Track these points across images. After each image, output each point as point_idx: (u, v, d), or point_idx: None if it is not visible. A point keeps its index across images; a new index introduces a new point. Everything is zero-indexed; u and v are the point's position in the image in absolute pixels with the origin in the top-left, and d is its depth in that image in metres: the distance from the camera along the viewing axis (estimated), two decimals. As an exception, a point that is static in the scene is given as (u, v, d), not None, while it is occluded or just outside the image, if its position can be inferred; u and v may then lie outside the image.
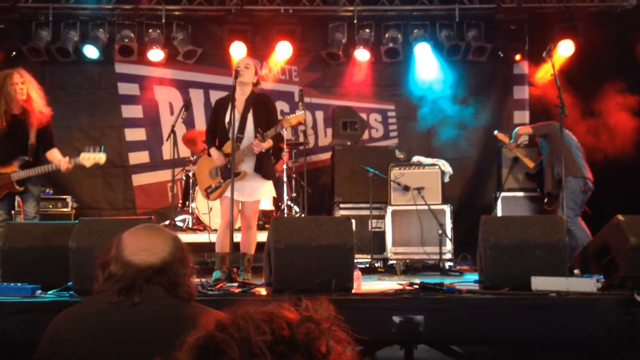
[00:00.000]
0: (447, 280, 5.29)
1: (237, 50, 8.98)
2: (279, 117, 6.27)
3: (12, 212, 7.41)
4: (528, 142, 8.12)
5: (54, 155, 6.17)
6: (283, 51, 9.26)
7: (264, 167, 5.84)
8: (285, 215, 7.90)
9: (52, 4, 9.12)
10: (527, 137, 7.97)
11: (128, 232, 2.20)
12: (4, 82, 6.01)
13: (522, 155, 7.92)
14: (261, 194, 5.89)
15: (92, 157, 6.14)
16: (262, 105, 5.88)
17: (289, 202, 8.10)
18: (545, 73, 8.90)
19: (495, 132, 8.15)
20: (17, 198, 6.75)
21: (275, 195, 6.25)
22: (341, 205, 7.83)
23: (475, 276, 5.54)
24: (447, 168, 7.57)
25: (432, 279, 5.23)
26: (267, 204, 7.57)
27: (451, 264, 7.16)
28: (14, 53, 8.87)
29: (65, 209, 8.34)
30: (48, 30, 9.09)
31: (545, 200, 7.67)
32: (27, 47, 8.99)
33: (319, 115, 9.66)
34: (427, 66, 9.43)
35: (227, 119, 5.75)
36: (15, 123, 6.05)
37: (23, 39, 9.07)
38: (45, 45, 9.06)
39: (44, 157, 6.20)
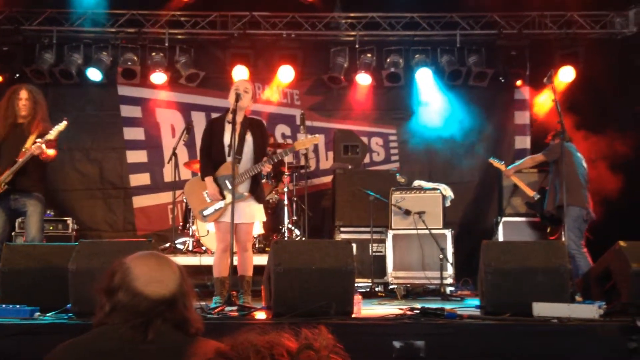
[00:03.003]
0: (448, 305, 5.26)
1: (239, 74, 9.02)
2: (282, 140, 6.30)
3: (13, 233, 7.43)
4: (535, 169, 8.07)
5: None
6: (285, 75, 9.31)
7: (258, 189, 5.85)
8: (286, 238, 7.88)
9: (56, 27, 9.21)
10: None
11: (135, 259, 2.12)
12: (11, 95, 6.17)
13: (521, 184, 7.89)
14: (256, 216, 5.88)
15: (56, 128, 6.12)
16: (258, 129, 5.92)
17: (290, 226, 8.08)
18: (546, 98, 8.93)
19: (490, 159, 8.15)
20: (18, 220, 6.74)
21: (265, 219, 6.23)
22: (342, 229, 7.82)
23: (476, 301, 5.51)
24: (449, 192, 7.57)
25: (433, 304, 5.21)
26: (258, 229, 7.53)
27: (452, 288, 7.12)
28: (17, 75, 8.91)
29: (66, 231, 8.33)
30: (52, 53, 9.16)
31: (548, 230, 7.67)
32: (31, 69, 9.05)
33: (320, 138, 9.65)
34: (428, 91, 9.48)
35: (226, 141, 5.75)
36: (16, 131, 6.15)
37: (27, 61, 9.11)
38: (48, 67, 9.12)
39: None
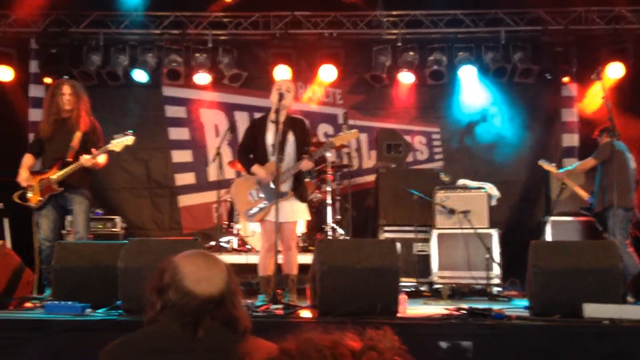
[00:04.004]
0: (496, 306, 5.18)
1: (282, 74, 9.05)
2: (324, 140, 6.29)
3: (63, 232, 7.60)
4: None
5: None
6: (327, 74, 9.31)
7: (301, 188, 5.86)
8: (330, 237, 7.88)
9: (103, 29, 9.39)
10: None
11: (184, 258, 2.15)
12: (54, 91, 6.27)
13: (575, 187, 7.67)
14: (299, 215, 5.88)
15: (121, 141, 6.24)
16: (300, 128, 5.91)
17: (333, 225, 8.08)
18: (594, 95, 8.74)
19: (540, 162, 7.97)
20: (68, 218, 6.88)
21: (309, 218, 6.22)
22: (385, 228, 7.78)
23: (524, 302, 5.44)
24: (494, 191, 7.46)
25: (480, 304, 5.14)
26: (301, 227, 7.54)
27: (499, 289, 7.02)
28: (65, 77, 9.09)
29: (114, 229, 8.48)
30: (99, 55, 9.33)
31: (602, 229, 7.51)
32: (78, 71, 9.24)
33: (363, 137, 9.66)
34: (472, 88, 9.38)
35: (268, 140, 5.77)
36: (61, 127, 6.25)
37: (74, 63, 9.30)
38: (95, 69, 9.30)
39: None
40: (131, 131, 6.34)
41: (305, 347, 1.16)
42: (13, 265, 5.47)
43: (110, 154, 6.38)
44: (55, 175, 6.13)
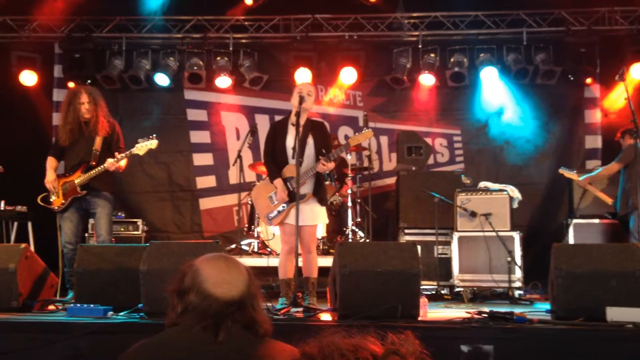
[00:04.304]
0: (517, 309, 5.15)
1: (302, 77, 9.08)
2: (345, 142, 6.28)
3: (86, 234, 7.68)
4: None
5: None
6: (347, 77, 9.31)
7: (321, 191, 5.85)
8: (350, 240, 7.87)
9: (125, 34, 9.50)
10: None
11: (204, 261, 2.15)
12: (72, 99, 6.34)
13: (598, 193, 7.55)
14: (319, 218, 5.88)
15: (145, 145, 6.31)
16: (320, 131, 5.92)
17: (354, 227, 8.07)
18: (618, 96, 8.64)
19: (560, 170, 7.86)
20: (90, 221, 6.96)
21: (328, 221, 6.22)
22: (406, 231, 7.75)
23: (546, 305, 5.38)
24: (516, 194, 7.39)
25: (502, 308, 5.10)
26: (321, 231, 7.54)
27: (521, 292, 6.96)
28: (89, 81, 9.21)
29: (136, 232, 8.57)
30: (121, 59, 9.45)
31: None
32: (102, 76, 9.36)
33: (384, 140, 9.65)
34: (493, 90, 9.32)
35: (288, 143, 5.79)
36: (82, 131, 6.33)
37: (98, 67, 9.43)
38: (118, 73, 9.41)
39: None
40: (154, 135, 6.40)
41: (328, 351, 1.16)
42: (37, 268, 5.54)
43: (133, 157, 6.45)
44: (79, 178, 6.20)
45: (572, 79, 9.20)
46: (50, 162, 6.41)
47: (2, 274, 5.15)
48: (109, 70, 9.37)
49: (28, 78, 9.43)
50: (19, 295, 5.15)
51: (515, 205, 7.40)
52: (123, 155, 6.23)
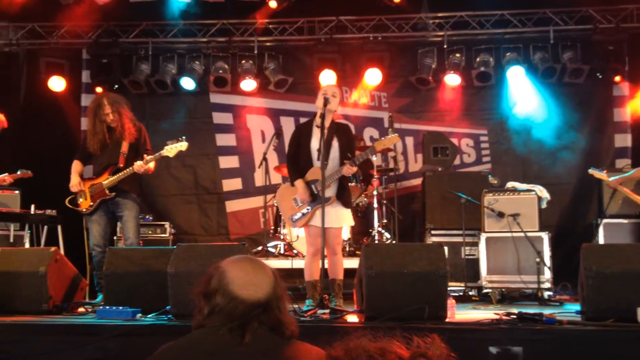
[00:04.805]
0: (547, 311, 5.07)
1: (327, 79, 9.08)
2: (370, 143, 6.26)
3: (114, 237, 7.77)
4: None
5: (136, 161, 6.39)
6: (372, 78, 9.29)
7: (345, 193, 5.84)
8: (376, 241, 7.85)
9: (152, 39, 9.59)
10: None
11: (230, 263, 2.17)
12: (97, 110, 6.41)
13: (631, 194, 7.41)
14: (343, 220, 5.87)
15: (175, 147, 6.37)
16: (344, 134, 5.90)
17: (380, 229, 8.05)
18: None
19: (590, 170, 7.73)
20: (118, 224, 7.03)
21: (353, 224, 6.20)
22: (433, 232, 7.70)
23: (576, 307, 5.31)
24: (545, 194, 7.30)
25: (531, 309, 5.05)
26: (346, 233, 7.52)
27: (550, 293, 6.87)
28: (116, 86, 9.33)
29: (163, 235, 8.65)
30: (147, 64, 9.55)
31: None
32: (129, 80, 9.46)
33: (409, 141, 9.61)
34: (520, 89, 9.24)
35: (313, 145, 5.78)
36: (110, 137, 6.41)
37: (124, 72, 9.54)
38: (145, 78, 9.51)
39: None
40: (184, 137, 6.45)
41: (355, 354, 1.16)
42: (67, 271, 5.61)
43: (160, 161, 6.51)
44: (107, 180, 6.28)
45: (600, 77, 9.09)
46: (76, 165, 6.49)
47: (33, 277, 5.22)
48: (136, 75, 9.47)
49: (56, 84, 9.56)
50: (49, 298, 5.22)
51: (544, 205, 7.31)
52: (152, 157, 6.29)
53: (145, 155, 6.32)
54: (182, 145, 6.41)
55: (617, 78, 9.11)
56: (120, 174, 6.26)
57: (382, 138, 5.98)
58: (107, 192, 6.29)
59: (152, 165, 6.37)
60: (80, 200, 6.37)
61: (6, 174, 7.51)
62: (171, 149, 6.36)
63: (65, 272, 5.57)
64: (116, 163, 6.33)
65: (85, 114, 8.14)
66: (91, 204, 6.33)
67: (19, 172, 7.58)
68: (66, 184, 6.46)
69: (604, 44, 8.88)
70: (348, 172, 5.68)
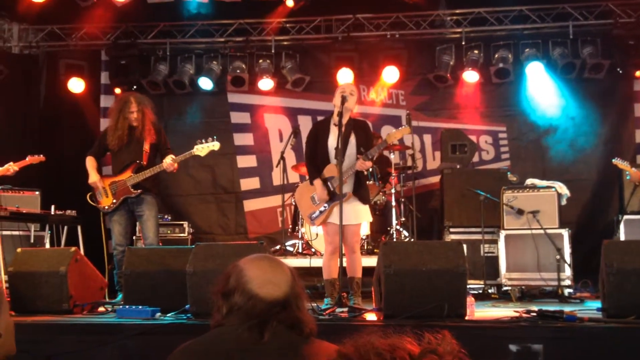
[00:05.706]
0: (567, 308, 5.03)
1: (344, 77, 9.08)
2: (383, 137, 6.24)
3: (134, 237, 7.82)
4: None
5: (165, 159, 6.44)
6: (390, 76, 9.27)
7: (362, 190, 5.81)
8: (395, 239, 7.82)
9: (169, 39, 9.65)
10: None
11: (248, 262, 2.16)
12: (123, 107, 6.49)
13: None
14: (362, 217, 5.85)
15: (207, 146, 6.43)
16: (362, 131, 5.88)
17: (398, 227, 8.02)
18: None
19: (614, 160, 7.65)
20: (137, 225, 7.08)
21: (371, 219, 6.18)
22: (451, 230, 7.66)
23: (597, 304, 5.24)
24: (564, 190, 7.23)
25: (551, 307, 5.00)
26: (365, 229, 7.50)
27: (571, 290, 6.80)
28: (134, 87, 9.39)
29: (182, 234, 8.69)
30: (166, 64, 9.61)
31: None
32: (147, 81, 9.53)
33: (427, 138, 9.56)
34: (539, 85, 9.16)
35: (331, 143, 5.77)
36: (131, 134, 6.47)
37: (143, 73, 9.59)
38: (163, 78, 9.57)
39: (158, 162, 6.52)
40: (215, 137, 6.49)
41: (364, 350, 1.15)
42: (87, 271, 5.66)
43: (184, 160, 6.56)
44: (130, 178, 6.32)
45: (620, 72, 8.97)
46: (91, 161, 6.54)
47: (53, 277, 5.28)
48: (154, 76, 9.53)
49: (76, 85, 9.66)
50: (69, 298, 5.27)
51: (564, 202, 7.25)
52: (182, 155, 6.36)
53: (172, 155, 6.36)
54: (215, 145, 6.48)
55: (638, 73, 8.99)
56: (145, 171, 6.31)
57: (393, 131, 5.95)
58: (131, 189, 6.33)
59: (176, 164, 6.44)
60: (100, 197, 6.41)
61: (11, 162, 7.20)
62: (202, 149, 6.42)
63: (85, 271, 5.61)
64: (139, 161, 6.38)
65: (106, 115, 8.23)
66: (114, 201, 6.37)
67: (27, 159, 7.32)
68: (86, 184, 6.51)
69: (624, 38, 8.76)
70: (361, 167, 5.65)
